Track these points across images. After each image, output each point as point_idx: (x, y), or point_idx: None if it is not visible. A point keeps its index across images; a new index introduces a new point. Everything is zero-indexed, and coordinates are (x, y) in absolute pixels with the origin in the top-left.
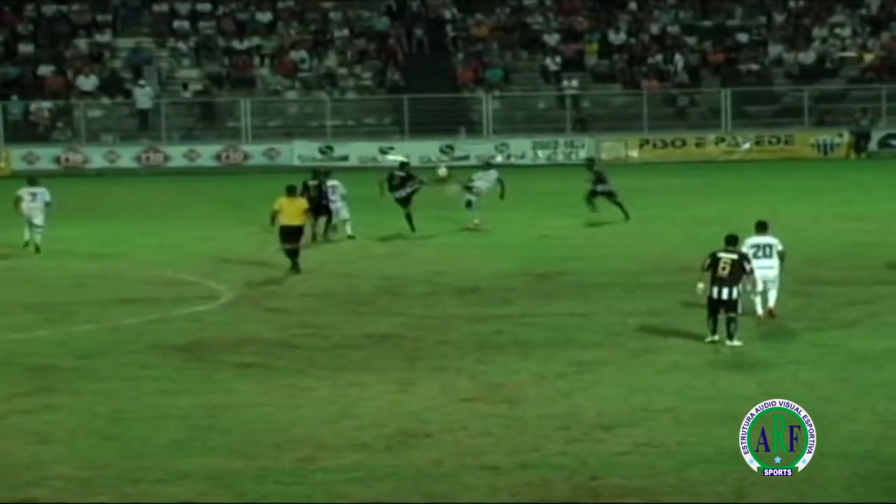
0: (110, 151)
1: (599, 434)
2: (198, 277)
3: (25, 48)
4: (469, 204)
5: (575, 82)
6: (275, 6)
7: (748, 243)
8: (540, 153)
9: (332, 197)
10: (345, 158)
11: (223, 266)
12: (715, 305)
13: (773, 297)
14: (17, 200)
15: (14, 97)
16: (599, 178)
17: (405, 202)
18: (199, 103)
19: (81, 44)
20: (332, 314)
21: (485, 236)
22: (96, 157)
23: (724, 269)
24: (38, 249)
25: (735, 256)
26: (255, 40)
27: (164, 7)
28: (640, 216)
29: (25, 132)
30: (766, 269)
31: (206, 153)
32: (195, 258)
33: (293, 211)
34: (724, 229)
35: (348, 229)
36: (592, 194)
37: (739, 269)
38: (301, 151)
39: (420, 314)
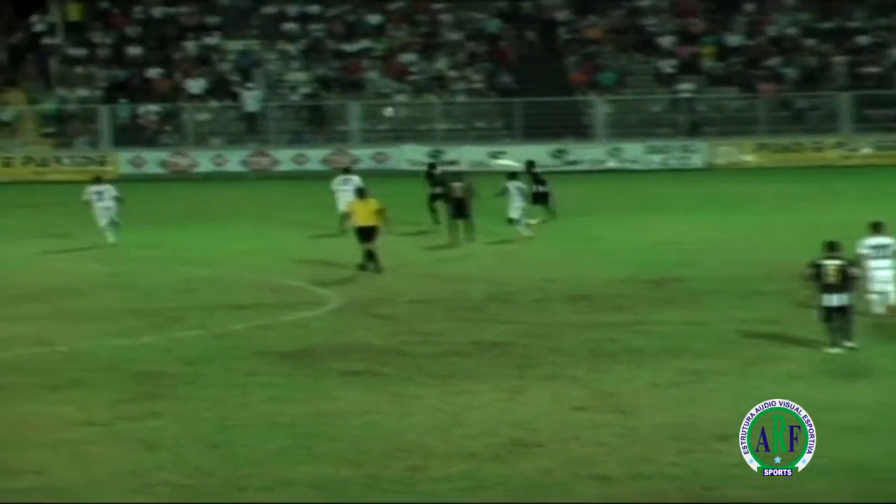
0: (217, 155)
1: (714, 444)
2: (305, 283)
3: (134, 51)
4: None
5: (689, 85)
6: (385, 8)
7: (865, 244)
8: (653, 158)
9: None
10: (454, 163)
11: (331, 271)
12: (829, 313)
13: (893, 296)
14: (86, 202)
15: (122, 100)
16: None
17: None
18: (307, 106)
19: (190, 46)
20: (441, 321)
21: (595, 242)
22: (203, 161)
23: (831, 276)
24: (113, 243)
25: (839, 262)
26: (365, 42)
27: (273, 9)
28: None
29: (133, 136)
30: (883, 270)
31: (314, 157)
32: (303, 263)
33: (365, 212)
34: (841, 236)
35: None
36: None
37: (847, 275)
38: (410, 155)
39: (531, 321)
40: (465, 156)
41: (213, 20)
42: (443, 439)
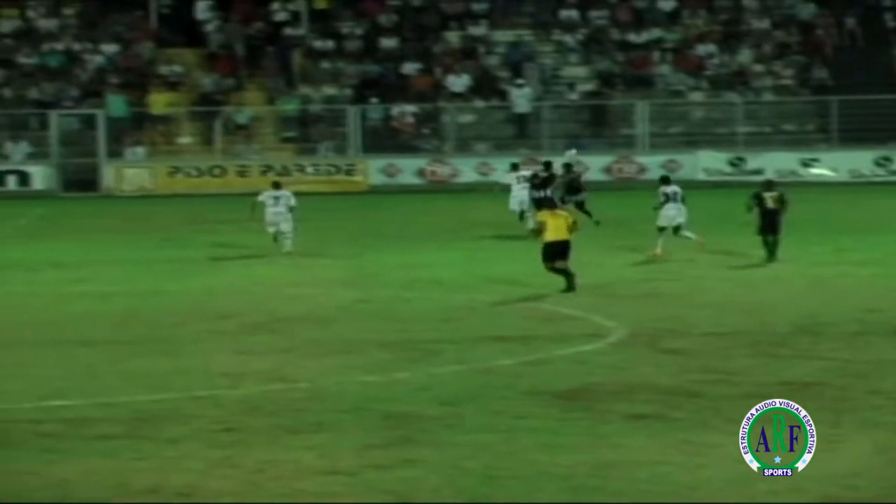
0: (482, 163)
1: None
2: (582, 311)
3: (388, 43)
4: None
5: None
6: None
7: None
8: None
9: None
10: (758, 171)
11: (611, 299)
12: None
13: None
14: (257, 205)
15: (373, 100)
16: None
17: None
18: (587, 106)
19: (452, 37)
20: (740, 357)
21: None
22: (466, 170)
23: None
24: (288, 253)
25: None
26: (655, 32)
27: None
28: None
29: (386, 140)
30: None
31: (595, 165)
32: (579, 289)
33: (557, 226)
34: None
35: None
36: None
37: None
38: (707, 163)
39: (847, 358)
40: (772, 163)
41: (479, 7)
42: (744, 495)
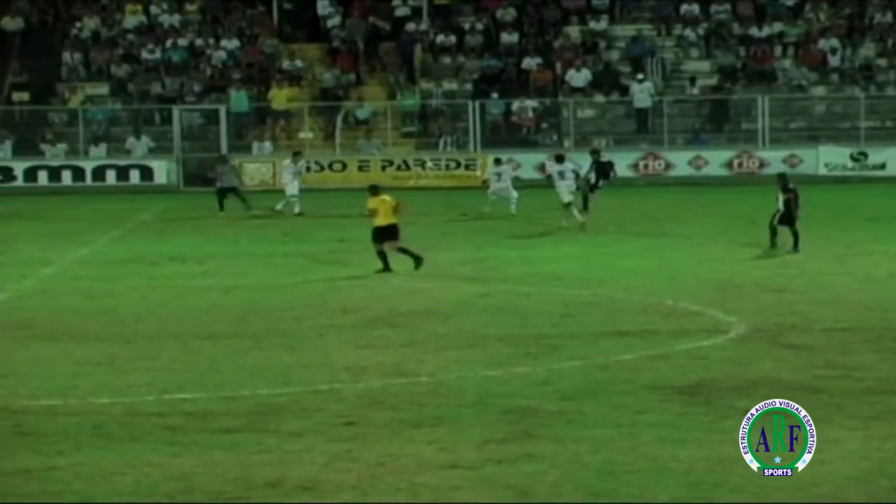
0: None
1: None
2: (702, 307)
3: (509, 38)
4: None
5: None
6: None
7: None
8: None
9: None
10: (881, 167)
11: (732, 294)
12: None
13: None
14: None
15: (494, 95)
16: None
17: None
18: (707, 101)
19: (573, 32)
20: (864, 352)
21: None
22: (584, 165)
23: None
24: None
25: None
26: (777, 27)
27: None
28: None
29: (506, 135)
30: None
31: (715, 160)
32: (699, 284)
33: (385, 210)
34: None
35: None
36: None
37: None
38: (828, 158)
39: None
40: (894, 158)
41: (599, 2)
42: (865, 492)
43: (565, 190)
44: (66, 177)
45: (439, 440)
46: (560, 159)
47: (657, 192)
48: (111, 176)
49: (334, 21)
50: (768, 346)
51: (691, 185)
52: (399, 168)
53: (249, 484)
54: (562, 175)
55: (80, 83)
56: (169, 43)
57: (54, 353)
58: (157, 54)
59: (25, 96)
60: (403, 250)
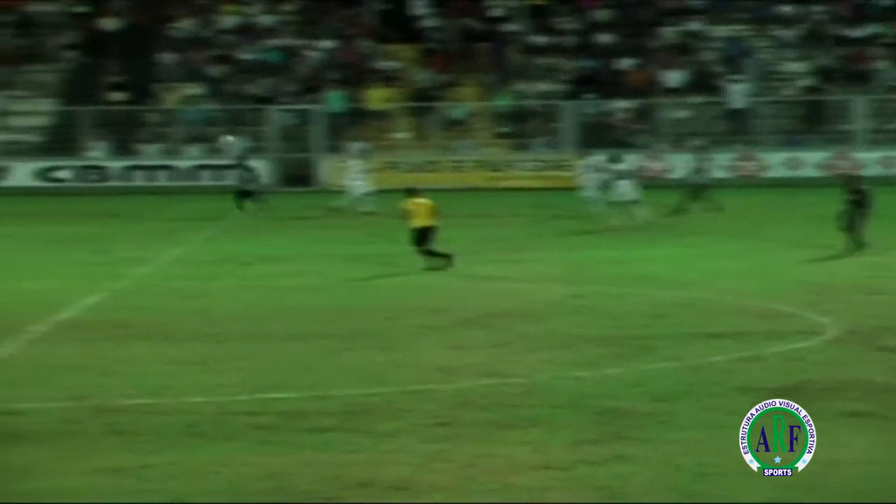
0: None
1: None
2: (797, 308)
3: (604, 38)
4: None
5: None
6: None
7: None
8: None
9: None
10: None
11: (828, 295)
12: None
13: None
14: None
15: (588, 96)
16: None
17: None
18: (803, 102)
19: (668, 33)
20: None
21: None
22: (680, 165)
23: None
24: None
25: None
26: (874, 27)
27: None
28: None
29: (600, 136)
30: None
31: (810, 161)
32: (794, 286)
33: (424, 212)
34: None
35: None
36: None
37: None
38: None
39: None
40: None
41: (695, 2)
42: None
43: (629, 189)
44: (162, 176)
45: (532, 441)
46: (616, 159)
47: (752, 193)
48: (206, 176)
49: (429, 22)
50: (863, 348)
51: (787, 187)
52: (492, 169)
53: (342, 483)
54: (620, 175)
55: (176, 83)
56: (265, 43)
57: (149, 352)
58: (253, 55)
59: (122, 96)
60: (431, 252)
